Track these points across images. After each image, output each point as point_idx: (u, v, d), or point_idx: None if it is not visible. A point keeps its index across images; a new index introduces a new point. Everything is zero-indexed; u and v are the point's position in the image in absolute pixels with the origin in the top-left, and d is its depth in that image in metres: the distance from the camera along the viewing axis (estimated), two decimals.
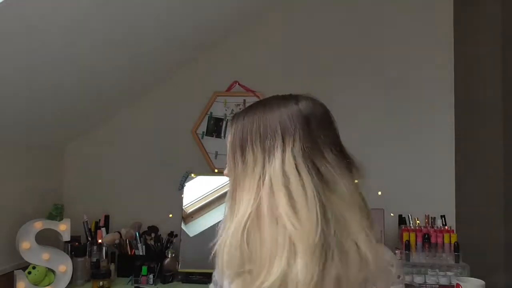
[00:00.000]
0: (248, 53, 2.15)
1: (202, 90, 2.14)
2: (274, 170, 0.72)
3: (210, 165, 2.10)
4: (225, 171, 0.81)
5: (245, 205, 0.73)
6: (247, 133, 0.77)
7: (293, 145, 0.73)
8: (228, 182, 0.81)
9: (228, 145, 0.81)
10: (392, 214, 1.92)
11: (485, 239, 2.46)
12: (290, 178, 0.71)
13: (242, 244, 0.71)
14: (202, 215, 1.91)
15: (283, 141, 0.74)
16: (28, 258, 1.64)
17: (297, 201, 0.70)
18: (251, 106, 0.82)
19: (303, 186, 0.71)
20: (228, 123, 0.83)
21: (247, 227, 0.71)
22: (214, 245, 0.76)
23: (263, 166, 0.74)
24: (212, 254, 0.76)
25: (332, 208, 0.71)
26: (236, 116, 0.82)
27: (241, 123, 0.79)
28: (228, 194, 0.79)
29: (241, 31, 2.15)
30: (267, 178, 0.73)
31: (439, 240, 1.76)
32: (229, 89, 2.14)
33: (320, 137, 0.75)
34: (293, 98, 0.80)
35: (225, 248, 0.73)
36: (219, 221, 0.79)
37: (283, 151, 0.73)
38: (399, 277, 0.77)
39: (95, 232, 1.97)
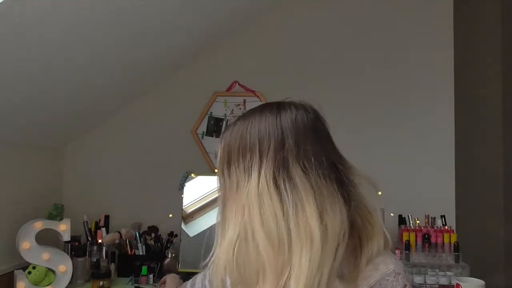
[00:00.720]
0: (248, 53, 2.15)
1: (202, 90, 2.14)
2: (250, 191, 0.70)
3: (210, 165, 2.10)
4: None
5: (232, 226, 0.71)
6: (232, 151, 0.76)
7: (267, 164, 0.71)
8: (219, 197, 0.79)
9: (217, 161, 0.80)
10: (392, 214, 1.91)
11: (485, 239, 2.46)
12: (263, 200, 0.69)
13: (233, 262, 0.70)
14: (202, 215, 1.90)
15: (260, 160, 0.72)
16: (28, 258, 1.64)
17: (268, 226, 0.68)
18: (236, 121, 0.80)
19: (272, 209, 0.68)
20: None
21: (235, 249, 0.70)
22: (210, 257, 0.75)
23: (245, 187, 0.72)
24: (208, 264, 0.75)
25: (299, 230, 0.67)
26: (223, 132, 0.80)
27: (227, 139, 0.78)
28: (218, 210, 0.78)
29: (241, 31, 2.15)
30: (247, 199, 0.71)
31: (439, 240, 1.75)
32: (229, 89, 2.13)
33: (298, 151, 0.72)
34: (275, 109, 0.77)
35: (219, 262, 0.72)
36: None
37: (259, 170, 0.71)
38: (405, 286, 0.75)
39: (95, 232, 1.97)
